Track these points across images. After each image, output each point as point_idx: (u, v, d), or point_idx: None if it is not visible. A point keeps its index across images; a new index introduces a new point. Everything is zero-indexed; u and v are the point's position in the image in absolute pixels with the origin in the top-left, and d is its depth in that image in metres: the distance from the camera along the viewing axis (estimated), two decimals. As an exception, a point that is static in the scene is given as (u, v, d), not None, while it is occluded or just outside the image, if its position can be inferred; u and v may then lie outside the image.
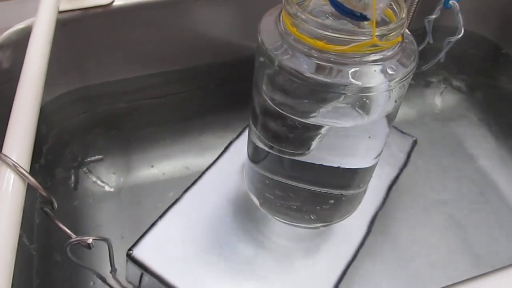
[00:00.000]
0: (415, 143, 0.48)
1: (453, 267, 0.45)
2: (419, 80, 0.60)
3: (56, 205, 0.24)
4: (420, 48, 0.43)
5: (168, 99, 0.51)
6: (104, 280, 0.32)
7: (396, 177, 0.45)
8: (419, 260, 0.45)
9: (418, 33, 0.43)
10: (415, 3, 0.42)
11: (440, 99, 0.60)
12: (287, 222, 0.38)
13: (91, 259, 0.41)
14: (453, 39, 0.41)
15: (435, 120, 0.58)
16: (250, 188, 0.40)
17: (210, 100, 0.53)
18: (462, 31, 0.40)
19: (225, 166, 0.43)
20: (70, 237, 0.27)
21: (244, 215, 0.40)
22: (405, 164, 0.46)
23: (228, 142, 0.45)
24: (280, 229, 0.39)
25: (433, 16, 0.41)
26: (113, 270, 0.32)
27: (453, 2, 0.40)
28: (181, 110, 0.53)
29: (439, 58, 0.44)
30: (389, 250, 0.45)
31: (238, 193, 0.41)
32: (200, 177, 0.42)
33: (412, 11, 0.43)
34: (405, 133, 0.48)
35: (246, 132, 0.46)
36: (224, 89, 0.52)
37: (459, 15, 0.40)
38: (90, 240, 0.26)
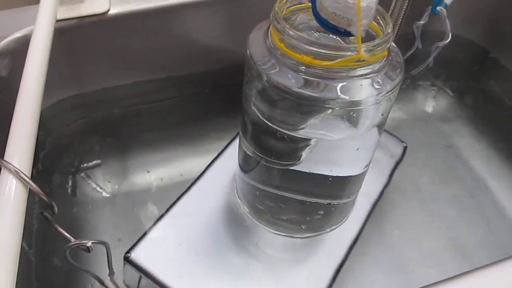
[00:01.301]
0: (405, 148, 0.48)
1: (446, 267, 0.45)
2: (410, 84, 0.61)
3: (56, 209, 0.25)
4: (409, 53, 0.44)
5: (163, 105, 0.52)
6: (102, 283, 0.32)
7: (387, 183, 0.46)
8: (412, 260, 0.46)
9: (407, 38, 0.44)
10: (404, 9, 0.43)
11: (430, 102, 0.61)
12: (278, 232, 0.39)
13: (89, 263, 0.42)
14: (441, 44, 0.42)
15: (425, 123, 0.59)
16: (241, 198, 0.41)
17: (205, 105, 0.54)
18: (450, 36, 0.41)
19: (220, 170, 0.44)
20: (69, 241, 0.27)
21: (239, 218, 0.41)
22: (395, 169, 0.47)
23: (223, 146, 0.46)
24: (270, 237, 0.40)
25: (421, 22, 0.42)
26: (111, 273, 0.33)
27: (440, 8, 0.41)
28: (176, 116, 0.53)
29: (428, 63, 0.45)
30: (382, 251, 0.46)
31: (234, 197, 0.42)
32: (195, 181, 0.43)
33: (401, 17, 0.43)
34: (396, 137, 0.49)
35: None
36: (218, 94, 0.53)
37: (447, 20, 0.41)
38: (89, 244, 0.26)
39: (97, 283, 0.36)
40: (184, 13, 0.45)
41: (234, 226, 0.40)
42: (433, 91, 0.61)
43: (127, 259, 0.37)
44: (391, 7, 0.43)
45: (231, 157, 0.45)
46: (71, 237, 0.27)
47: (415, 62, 0.45)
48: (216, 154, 0.45)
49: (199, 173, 0.43)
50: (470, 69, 0.58)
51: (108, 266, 0.32)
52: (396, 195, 0.50)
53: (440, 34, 0.41)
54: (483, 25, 0.54)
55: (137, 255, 0.37)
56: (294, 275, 0.38)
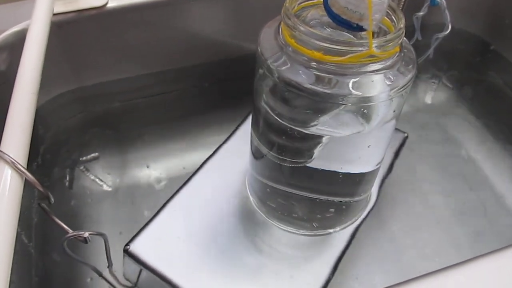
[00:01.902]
0: (406, 138, 0.49)
1: (445, 259, 0.45)
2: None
3: (52, 199, 0.25)
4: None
5: (163, 98, 0.52)
6: (100, 274, 0.33)
7: (387, 173, 0.46)
8: (411, 253, 0.46)
9: (407, 30, 0.44)
10: (403, 0, 0.43)
11: (430, 94, 0.61)
12: (290, 230, 0.39)
13: (88, 255, 0.42)
14: (441, 35, 0.42)
15: (426, 114, 0.59)
16: (252, 195, 0.41)
17: (205, 98, 0.54)
18: (450, 27, 0.41)
19: (220, 162, 0.44)
20: (67, 232, 0.27)
21: (236, 210, 0.41)
22: (395, 159, 0.47)
23: (223, 140, 0.46)
24: (273, 231, 0.40)
25: (421, 13, 0.42)
26: (110, 265, 0.33)
27: (440, -1, 0.41)
28: (175, 109, 0.53)
29: (428, 54, 0.45)
30: (381, 243, 0.46)
31: (232, 188, 0.42)
32: (195, 173, 0.43)
33: (400, 8, 0.43)
34: (396, 128, 0.49)
35: (241, 129, 0.47)
36: (218, 87, 0.53)
37: (446, 11, 0.40)
38: (86, 234, 0.26)
39: (97, 276, 0.36)
40: (183, 6, 0.45)
41: (235, 219, 0.40)
42: (433, 83, 0.61)
43: (126, 252, 0.37)
44: (391, -1, 0.43)
45: (231, 150, 0.45)
46: (68, 229, 0.27)
47: (416, 53, 0.45)
48: (215, 147, 0.45)
49: (199, 166, 0.43)
50: (471, 61, 0.57)
51: (107, 257, 0.33)
52: (396, 188, 0.50)
53: (440, 26, 0.41)
54: (484, 17, 0.54)
55: (136, 248, 0.37)
56: (293, 268, 0.38)
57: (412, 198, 0.50)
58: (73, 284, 0.41)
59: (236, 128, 0.47)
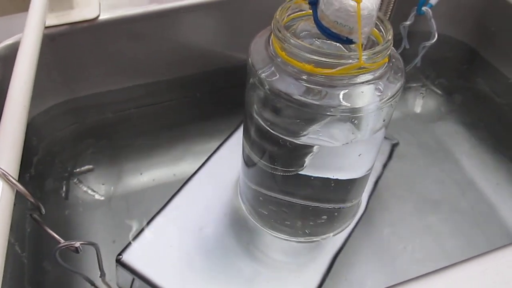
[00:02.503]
0: (396, 145, 0.49)
1: (436, 264, 0.45)
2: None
3: (43, 210, 0.25)
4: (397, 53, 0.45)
5: (155, 109, 0.52)
6: (92, 284, 0.33)
7: (378, 179, 0.46)
8: (403, 258, 0.46)
9: (395, 39, 0.44)
10: (390, 10, 0.44)
11: (420, 101, 0.61)
12: (282, 237, 0.39)
13: (81, 264, 0.42)
14: (428, 44, 0.43)
15: (415, 121, 0.59)
16: (244, 203, 0.41)
17: (197, 108, 0.54)
18: (436, 36, 0.42)
19: (211, 171, 0.44)
20: (59, 243, 0.28)
21: (229, 218, 0.41)
22: (385, 166, 0.47)
23: (214, 148, 0.46)
24: (265, 238, 0.40)
25: (408, 22, 0.43)
26: (102, 275, 0.33)
27: (426, 9, 0.42)
28: (168, 119, 0.54)
29: (416, 63, 0.45)
30: (372, 248, 0.46)
31: (225, 196, 0.43)
32: (186, 182, 0.43)
33: (387, 17, 0.44)
34: (386, 137, 0.50)
35: (232, 138, 0.47)
36: (210, 97, 0.54)
37: (432, 20, 0.41)
38: (77, 244, 0.27)
39: (90, 286, 0.36)
40: (174, 18, 0.46)
41: (227, 227, 0.41)
42: (422, 91, 0.62)
43: (118, 261, 0.37)
44: (377, 8, 0.44)
45: (223, 158, 0.45)
46: (60, 239, 0.28)
47: (404, 62, 0.46)
48: (207, 156, 0.45)
49: (191, 175, 0.44)
50: (459, 68, 0.58)
51: (99, 267, 0.33)
52: (387, 193, 0.50)
53: (427, 34, 0.42)
54: (470, 24, 0.55)
55: (128, 257, 0.37)
56: (285, 274, 0.38)
57: (402, 203, 0.50)
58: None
59: (228, 137, 0.48)
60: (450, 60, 0.58)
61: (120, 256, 0.37)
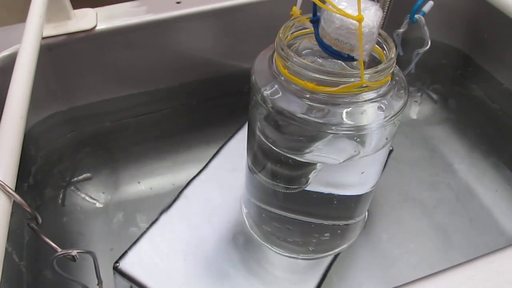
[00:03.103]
0: (391, 151, 0.49)
1: (433, 269, 0.46)
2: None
3: (40, 220, 0.25)
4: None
5: (152, 117, 0.53)
6: (90, 292, 0.33)
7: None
8: (399, 263, 0.46)
9: (389, 46, 0.45)
10: (383, 18, 0.44)
11: (415, 107, 0.62)
12: (284, 254, 0.39)
13: (79, 272, 0.43)
14: (421, 51, 0.43)
15: (411, 127, 0.60)
16: (247, 218, 0.41)
17: (193, 116, 0.55)
18: (429, 43, 0.42)
19: (208, 179, 0.45)
20: (56, 251, 0.28)
21: (227, 226, 0.42)
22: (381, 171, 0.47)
23: (211, 156, 0.47)
24: (261, 248, 0.41)
25: (401, 30, 0.43)
26: (100, 282, 0.33)
27: (419, 16, 0.42)
28: (165, 127, 0.54)
29: (410, 69, 0.46)
30: (369, 254, 0.46)
31: (223, 204, 0.43)
32: (182, 190, 0.43)
33: (380, 25, 0.44)
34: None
35: (229, 145, 0.48)
36: (206, 105, 0.54)
37: (425, 28, 0.42)
38: (74, 253, 0.27)
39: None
40: (169, 27, 0.46)
41: (224, 234, 0.41)
42: (418, 97, 0.62)
43: (116, 269, 0.37)
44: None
45: (219, 166, 0.46)
46: (57, 247, 0.28)
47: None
48: (204, 164, 0.46)
49: (187, 182, 0.44)
50: (453, 74, 0.59)
51: (96, 275, 0.33)
52: (383, 199, 0.51)
53: (421, 40, 0.42)
54: (464, 31, 0.55)
55: (126, 265, 0.38)
56: (279, 280, 0.38)
57: (399, 209, 0.51)
58: (65, 302, 0.42)
59: (225, 143, 0.48)
60: (445, 66, 0.59)
61: (117, 264, 0.37)
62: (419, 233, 0.49)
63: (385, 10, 0.43)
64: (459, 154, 0.56)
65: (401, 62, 0.45)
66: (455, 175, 0.54)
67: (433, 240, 0.48)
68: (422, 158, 0.56)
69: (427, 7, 0.42)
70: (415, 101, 0.62)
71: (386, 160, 0.48)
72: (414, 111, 0.62)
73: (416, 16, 0.42)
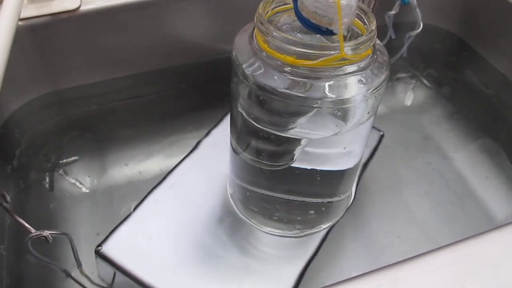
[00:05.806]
0: (382, 137, 0.49)
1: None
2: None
3: (8, 198, 0.25)
4: (383, 43, 0.45)
5: (140, 101, 0.52)
6: (69, 275, 0.33)
7: (363, 171, 0.46)
8: (389, 251, 0.46)
9: (381, 29, 0.44)
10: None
11: (408, 93, 0.61)
12: (274, 233, 0.39)
13: (60, 257, 0.42)
14: (413, 33, 0.42)
15: (404, 113, 0.59)
16: (233, 198, 0.41)
17: (182, 100, 0.54)
18: (421, 25, 0.41)
19: (195, 163, 0.44)
20: (30, 232, 0.28)
21: (213, 209, 0.41)
22: (371, 157, 0.47)
23: (199, 140, 0.46)
24: (247, 228, 0.40)
25: (393, 12, 0.42)
26: (79, 265, 0.33)
27: (410, -3, 0.42)
28: (153, 111, 0.54)
29: (402, 53, 0.45)
30: (358, 241, 0.46)
31: (209, 187, 0.42)
32: (168, 175, 0.43)
33: (371, 7, 0.44)
34: (373, 126, 0.49)
35: (216, 130, 0.47)
36: (195, 89, 0.54)
37: (417, 10, 0.41)
38: (46, 233, 0.27)
39: (72, 277, 0.36)
40: (158, 8, 0.46)
41: (209, 217, 0.40)
42: (411, 83, 0.62)
43: (98, 253, 0.37)
44: (361, -2, 0.43)
45: (207, 150, 0.45)
46: (31, 228, 0.28)
47: (390, 53, 0.45)
48: (191, 148, 0.45)
49: (174, 166, 0.43)
50: (448, 60, 0.58)
51: (74, 257, 0.33)
52: (373, 185, 0.50)
53: (413, 24, 0.41)
54: (458, 15, 0.54)
55: (108, 249, 0.37)
56: (262, 265, 0.38)
57: (389, 195, 0.50)
58: (48, 285, 0.41)
59: (214, 127, 0.47)
60: (439, 51, 0.58)
61: (100, 248, 0.37)
62: (408, 220, 0.48)
63: (377, -8, 0.43)
64: (451, 141, 0.56)
65: (394, 46, 0.44)
66: (447, 162, 0.54)
67: (424, 227, 0.48)
68: (414, 145, 0.55)
69: (419, -12, 0.41)
70: (409, 86, 0.62)
71: (377, 146, 0.48)
72: (408, 97, 0.61)
73: (408, -3, 0.42)
